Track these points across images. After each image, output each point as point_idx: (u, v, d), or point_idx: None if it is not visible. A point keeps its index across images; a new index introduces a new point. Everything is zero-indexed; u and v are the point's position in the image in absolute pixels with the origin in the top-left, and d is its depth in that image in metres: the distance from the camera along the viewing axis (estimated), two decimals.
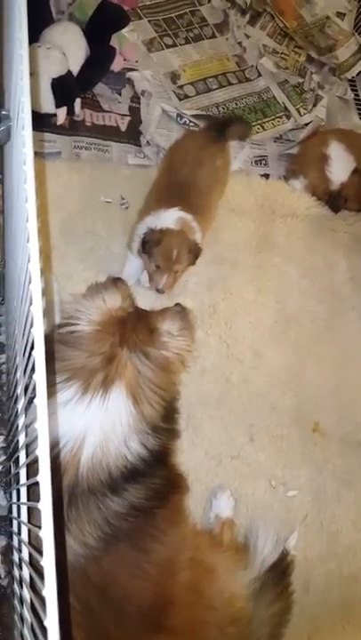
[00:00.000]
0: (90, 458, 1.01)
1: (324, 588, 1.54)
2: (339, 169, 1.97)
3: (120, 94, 2.11)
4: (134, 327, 1.13)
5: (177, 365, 1.16)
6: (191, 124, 2.08)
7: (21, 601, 0.81)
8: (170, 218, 1.55)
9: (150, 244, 1.53)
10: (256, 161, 2.15)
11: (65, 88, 1.86)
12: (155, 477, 1.10)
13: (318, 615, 1.50)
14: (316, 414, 1.76)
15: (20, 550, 0.85)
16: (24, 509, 0.81)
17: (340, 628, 1.51)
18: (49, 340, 1.07)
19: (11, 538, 1.23)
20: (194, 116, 2.09)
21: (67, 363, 1.06)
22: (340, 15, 2.52)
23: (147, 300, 1.59)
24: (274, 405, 1.73)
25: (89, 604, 0.98)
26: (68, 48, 1.88)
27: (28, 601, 0.69)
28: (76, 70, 1.93)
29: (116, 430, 1.03)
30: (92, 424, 1.02)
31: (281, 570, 1.33)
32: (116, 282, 1.23)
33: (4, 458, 1.36)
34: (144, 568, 1.05)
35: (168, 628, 1.05)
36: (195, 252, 1.57)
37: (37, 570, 0.57)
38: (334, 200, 1.99)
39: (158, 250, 1.52)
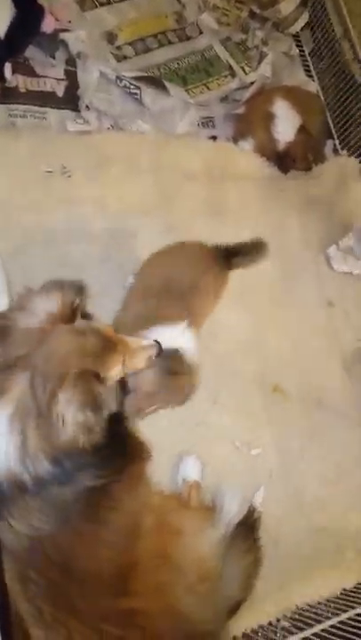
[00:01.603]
0: None
1: (293, 540, 1.59)
2: (285, 128, 1.94)
3: (54, 57, 2.00)
4: (50, 352, 0.92)
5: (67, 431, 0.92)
6: (132, 86, 2.00)
7: None
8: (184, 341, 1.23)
9: (163, 370, 1.19)
10: (203, 123, 2.10)
11: None
12: (104, 458, 1.04)
13: (288, 567, 1.55)
14: (278, 376, 1.78)
15: None
16: None
17: (310, 575, 1.57)
18: None
19: None
20: (134, 78, 2.01)
21: None
22: None
23: None
24: (235, 370, 1.74)
25: (51, 578, 0.98)
26: None
27: None
28: (1, 33, 1.81)
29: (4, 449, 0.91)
30: None
31: (249, 525, 1.36)
32: (65, 286, 1.02)
33: None
34: (103, 538, 1.03)
35: (134, 592, 1.05)
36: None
37: None
38: (282, 160, 1.97)
39: (171, 383, 1.21)
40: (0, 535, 0.93)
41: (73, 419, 0.91)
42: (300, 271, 1.97)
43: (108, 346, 0.98)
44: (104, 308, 1.63)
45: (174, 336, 1.22)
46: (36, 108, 1.91)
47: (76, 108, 1.95)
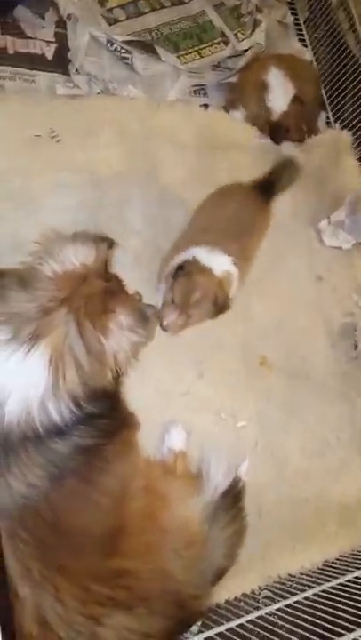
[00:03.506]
0: (14, 410, 0.95)
1: (276, 511, 1.60)
2: (278, 97, 1.90)
3: (44, 18, 1.94)
4: (90, 293, 1.00)
5: (110, 362, 1.01)
6: (123, 50, 1.94)
7: None
8: (217, 261, 1.35)
9: (181, 273, 1.33)
10: (195, 90, 2.05)
11: None
12: (103, 418, 1.08)
13: (271, 537, 1.57)
14: (263, 349, 1.77)
15: None
16: None
17: (292, 547, 1.59)
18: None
19: None
20: (125, 42, 1.95)
21: (6, 305, 0.98)
22: None
23: None
24: (221, 342, 1.73)
25: (41, 537, 0.99)
26: None
27: None
28: None
29: (30, 391, 0.96)
30: (11, 376, 0.95)
31: (233, 495, 1.36)
32: (98, 240, 1.08)
33: None
34: (94, 499, 1.05)
35: (122, 552, 1.06)
36: (220, 308, 1.36)
37: None
38: (275, 130, 1.93)
39: (183, 282, 1.32)
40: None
41: (128, 340, 1.01)
42: (290, 245, 1.95)
43: None
44: None
45: (220, 261, 1.35)
46: (25, 71, 1.86)
47: (65, 72, 1.90)
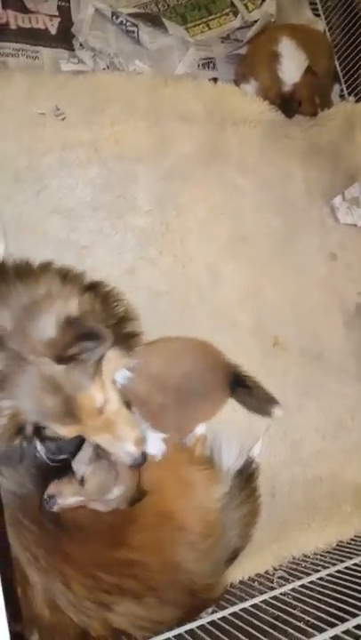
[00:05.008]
0: None
1: (290, 491, 1.59)
2: (290, 68, 1.83)
3: None
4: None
5: None
6: (128, 23, 1.88)
7: None
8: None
9: None
10: (203, 64, 1.99)
11: None
12: None
13: (285, 517, 1.56)
14: (276, 329, 1.74)
15: None
16: None
17: (307, 526, 1.58)
18: None
19: None
20: (131, 15, 1.89)
21: None
22: None
23: None
24: (234, 322, 1.70)
25: (43, 527, 1.01)
26: None
27: None
28: None
29: None
30: None
31: (247, 476, 1.36)
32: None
33: None
34: None
35: (131, 544, 1.07)
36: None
37: None
38: (287, 103, 1.86)
39: None
40: None
41: None
42: (303, 222, 1.91)
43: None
44: (98, 260, 1.59)
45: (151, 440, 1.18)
46: (28, 47, 1.83)
47: (70, 47, 1.86)
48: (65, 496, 1.02)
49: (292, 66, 1.83)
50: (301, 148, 1.97)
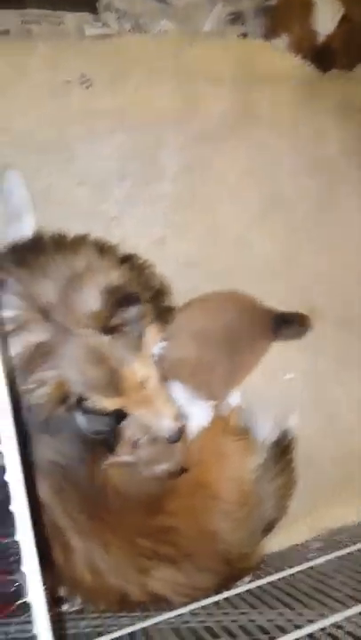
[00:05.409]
0: None
1: (325, 464, 1.58)
2: (325, 17, 1.71)
3: None
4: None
5: None
6: None
7: None
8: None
9: None
10: (232, 19, 1.88)
11: None
12: None
13: (320, 489, 1.55)
14: (312, 298, 1.69)
15: None
16: None
17: (342, 500, 1.58)
18: None
19: None
20: None
21: None
22: None
23: None
24: (267, 293, 1.64)
25: (84, 493, 1.04)
26: None
27: None
28: None
29: None
30: None
31: (282, 447, 1.35)
32: None
33: None
34: None
35: (168, 511, 1.10)
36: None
37: None
38: (322, 55, 1.75)
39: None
40: (39, 450, 0.98)
41: None
42: (340, 185, 1.81)
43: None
44: (127, 232, 1.56)
45: (198, 410, 1.22)
46: (51, 12, 1.77)
47: (93, 10, 1.80)
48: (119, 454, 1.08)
49: (326, 15, 1.72)
50: (337, 106, 1.85)
